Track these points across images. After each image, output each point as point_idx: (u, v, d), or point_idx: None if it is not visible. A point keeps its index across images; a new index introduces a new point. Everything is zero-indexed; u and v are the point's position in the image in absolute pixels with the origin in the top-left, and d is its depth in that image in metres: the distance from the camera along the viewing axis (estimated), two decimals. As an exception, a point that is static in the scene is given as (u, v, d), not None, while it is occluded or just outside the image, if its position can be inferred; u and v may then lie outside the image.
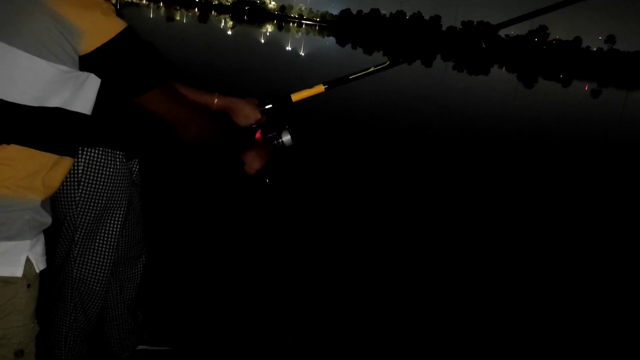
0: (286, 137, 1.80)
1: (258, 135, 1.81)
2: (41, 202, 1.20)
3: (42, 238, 1.26)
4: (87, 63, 1.12)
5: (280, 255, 3.46)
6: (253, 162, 1.67)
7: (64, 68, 1.10)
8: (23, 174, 1.16)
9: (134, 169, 1.90)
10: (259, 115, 1.81)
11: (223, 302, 2.74)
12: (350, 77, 1.91)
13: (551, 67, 61.90)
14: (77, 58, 1.11)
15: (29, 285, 1.23)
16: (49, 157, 1.18)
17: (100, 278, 1.84)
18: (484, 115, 12.37)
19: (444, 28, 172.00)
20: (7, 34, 1.08)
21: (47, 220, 1.24)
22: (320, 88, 1.88)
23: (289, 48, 28.98)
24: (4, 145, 1.12)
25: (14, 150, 1.13)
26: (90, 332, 1.95)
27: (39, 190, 1.19)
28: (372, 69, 1.90)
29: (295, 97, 1.87)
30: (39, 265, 1.24)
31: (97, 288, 1.84)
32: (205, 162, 4.46)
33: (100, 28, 1.11)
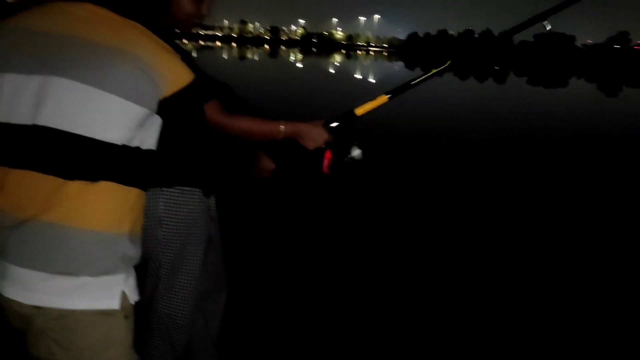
0: (356, 152, 1.79)
1: (328, 154, 1.81)
2: (130, 237, 1.25)
3: (133, 272, 1.30)
4: (163, 106, 1.19)
5: (280, 255, 3.50)
6: (267, 164, 1.71)
7: (147, 112, 1.17)
8: (113, 210, 1.21)
9: (211, 205, 1.94)
10: (326, 136, 1.81)
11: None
12: (412, 83, 1.86)
13: (636, 73, 58.13)
14: (157, 101, 1.18)
15: (126, 317, 1.27)
16: (134, 192, 1.24)
17: (185, 313, 1.87)
18: (565, 128, 11.79)
19: (515, 43, 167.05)
20: (99, 79, 1.13)
21: (137, 254, 1.28)
22: (383, 98, 1.84)
23: (358, 76, 29.19)
24: (96, 183, 1.17)
25: (105, 187, 1.18)
26: None
27: (128, 225, 1.24)
28: (433, 71, 1.86)
29: (360, 110, 1.84)
30: (133, 297, 1.28)
31: (183, 323, 1.88)
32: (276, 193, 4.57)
33: (178, 74, 1.19)
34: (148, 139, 1.24)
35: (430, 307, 3.05)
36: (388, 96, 1.83)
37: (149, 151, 1.25)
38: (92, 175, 1.16)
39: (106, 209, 1.20)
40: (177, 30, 1.64)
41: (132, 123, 1.17)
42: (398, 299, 3.11)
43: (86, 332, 1.24)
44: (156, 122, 1.22)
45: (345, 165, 1.78)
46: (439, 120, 11.61)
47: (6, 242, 1.21)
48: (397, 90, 1.85)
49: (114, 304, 1.24)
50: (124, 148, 1.18)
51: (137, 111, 1.16)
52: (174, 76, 1.19)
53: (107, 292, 1.23)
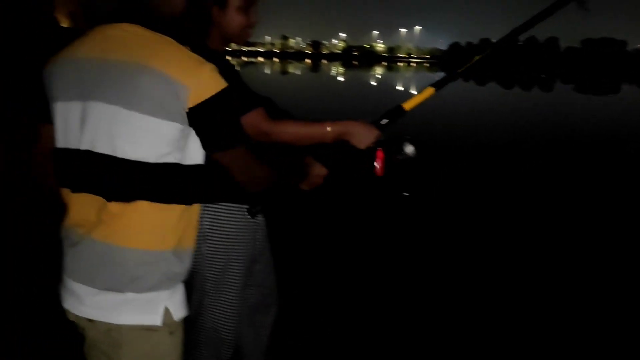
0: (409, 149, 1.72)
1: (380, 153, 1.73)
2: (175, 254, 1.27)
3: (180, 287, 1.32)
4: (191, 118, 1.18)
5: (280, 255, 3.47)
6: (319, 170, 1.73)
7: (179, 125, 1.18)
8: (154, 228, 1.23)
9: (259, 222, 1.94)
10: (376, 132, 1.74)
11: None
12: (458, 72, 1.83)
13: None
14: (184, 114, 1.17)
15: (171, 333, 1.30)
16: (176, 209, 1.25)
17: (230, 328, 1.88)
18: (616, 135, 11.35)
19: (562, 49, 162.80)
20: (124, 99, 1.16)
21: (182, 271, 1.30)
22: (430, 91, 1.80)
23: (400, 87, 29.05)
24: (132, 202, 1.19)
25: (143, 206, 1.20)
26: None
27: (173, 242, 1.25)
28: (476, 58, 1.82)
29: (408, 105, 1.78)
30: (177, 313, 1.30)
31: (228, 338, 1.89)
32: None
33: (203, 85, 1.17)
34: (190, 154, 1.24)
35: (431, 305, 3.04)
36: (434, 88, 1.79)
37: (189, 167, 1.25)
38: (126, 195, 1.19)
39: (147, 228, 1.22)
40: (232, 44, 1.68)
41: (162, 139, 1.18)
42: (401, 299, 3.11)
43: (131, 347, 1.27)
44: (194, 135, 1.22)
45: (399, 165, 1.70)
46: (483, 129, 11.39)
47: (68, 258, 1.28)
48: (443, 81, 1.81)
49: (157, 320, 1.26)
50: (157, 166, 1.19)
51: (165, 126, 1.17)
52: (200, 86, 1.17)
53: (151, 309, 1.26)
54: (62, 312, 1.32)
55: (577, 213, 5.23)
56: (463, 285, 3.39)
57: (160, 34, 1.21)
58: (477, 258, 3.88)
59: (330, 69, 56.68)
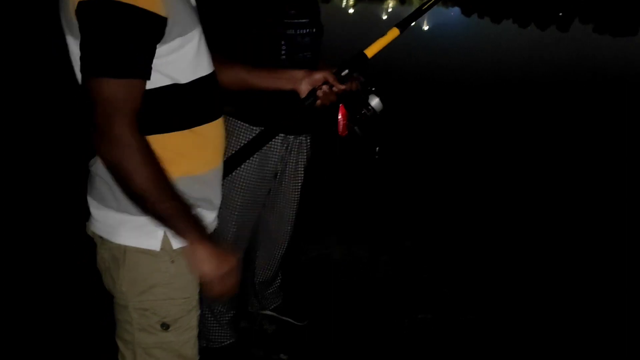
0: (375, 101, 1.58)
1: (342, 110, 1.62)
2: (181, 182, 1.26)
3: None
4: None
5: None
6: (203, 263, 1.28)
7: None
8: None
9: (276, 150, 1.94)
10: (306, 75, 1.62)
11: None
12: (423, 8, 1.70)
13: None
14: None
15: (172, 261, 1.28)
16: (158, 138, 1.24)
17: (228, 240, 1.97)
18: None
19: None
20: (67, 26, 1.13)
21: (190, 200, 1.27)
22: (394, 32, 1.65)
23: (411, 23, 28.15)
24: None
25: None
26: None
27: (176, 171, 1.26)
28: None
29: (370, 51, 1.63)
30: (177, 242, 1.28)
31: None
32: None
33: None
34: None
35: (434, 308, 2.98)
36: (400, 29, 1.67)
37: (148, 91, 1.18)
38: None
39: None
40: None
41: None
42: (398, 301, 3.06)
43: (130, 269, 1.29)
44: None
45: (363, 121, 1.57)
46: (491, 67, 11.12)
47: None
48: (408, 20, 1.68)
49: (155, 244, 1.26)
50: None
51: (75, 47, 1.13)
52: None
53: (148, 232, 1.26)
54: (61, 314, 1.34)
55: (589, 163, 5.15)
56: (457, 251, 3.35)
57: None
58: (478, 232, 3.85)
59: (341, 0, 54.84)
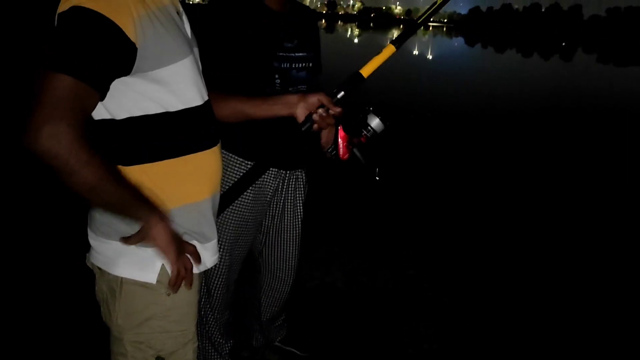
0: (375, 122, 1.49)
1: (341, 132, 1.52)
2: (173, 212, 1.22)
3: None
4: None
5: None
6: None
7: None
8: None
9: (268, 185, 1.89)
10: (301, 99, 1.57)
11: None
12: (419, 22, 1.61)
13: None
14: None
15: (168, 294, 1.25)
16: (141, 169, 1.21)
17: (219, 283, 1.97)
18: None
19: (585, 18, 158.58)
20: None
21: (179, 230, 1.24)
22: (390, 49, 1.56)
23: (415, 52, 28.53)
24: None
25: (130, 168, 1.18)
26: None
27: (164, 202, 1.20)
28: (439, 1, 1.59)
29: (366, 71, 1.54)
30: None
31: (217, 293, 1.99)
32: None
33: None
34: (115, 108, 1.16)
35: (436, 308, 2.94)
36: (395, 45, 1.56)
37: (120, 121, 1.16)
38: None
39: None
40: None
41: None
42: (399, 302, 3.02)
43: (125, 301, 1.24)
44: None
45: (364, 143, 1.47)
46: (498, 97, 11.17)
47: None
48: (403, 36, 1.59)
49: (151, 277, 1.22)
50: (96, 122, 1.15)
51: None
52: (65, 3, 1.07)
53: (146, 264, 1.22)
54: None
55: (591, 189, 5.13)
56: (458, 270, 3.33)
57: None
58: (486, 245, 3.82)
59: (346, 31, 55.72)
